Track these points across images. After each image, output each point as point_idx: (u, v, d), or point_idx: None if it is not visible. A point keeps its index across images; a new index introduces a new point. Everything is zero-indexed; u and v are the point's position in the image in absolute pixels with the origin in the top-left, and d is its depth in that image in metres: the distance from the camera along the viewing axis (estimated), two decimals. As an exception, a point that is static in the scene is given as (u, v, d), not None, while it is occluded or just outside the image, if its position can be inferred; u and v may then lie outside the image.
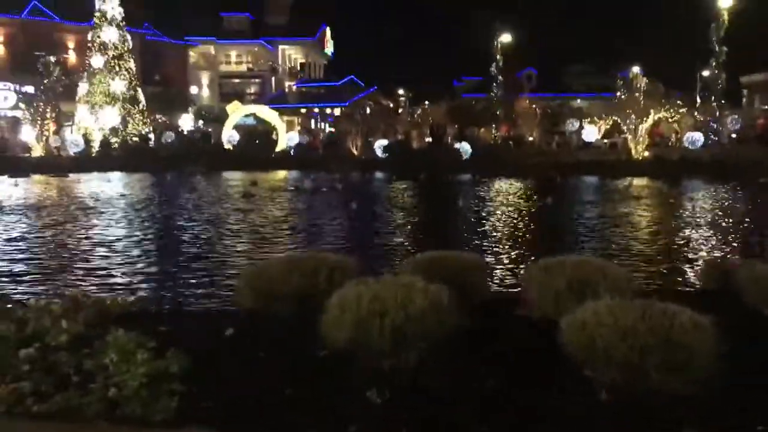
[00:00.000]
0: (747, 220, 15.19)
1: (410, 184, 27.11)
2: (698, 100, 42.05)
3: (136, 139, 42.11)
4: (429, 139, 45.83)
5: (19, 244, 11.59)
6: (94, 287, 7.79)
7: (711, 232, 12.87)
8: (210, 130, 49.82)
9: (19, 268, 9.30)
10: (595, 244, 11.40)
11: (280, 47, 74.35)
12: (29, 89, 43.06)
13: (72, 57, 51.01)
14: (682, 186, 24.78)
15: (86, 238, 12.32)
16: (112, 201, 19.31)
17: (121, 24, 42.72)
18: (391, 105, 56.43)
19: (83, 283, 8.08)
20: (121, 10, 42.56)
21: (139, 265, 9.53)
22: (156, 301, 6.84)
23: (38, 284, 8.16)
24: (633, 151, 36.11)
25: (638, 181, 26.83)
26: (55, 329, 4.33)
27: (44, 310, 4.64)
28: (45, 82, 41.49)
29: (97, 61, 42.09)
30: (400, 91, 58.02)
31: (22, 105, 42.20)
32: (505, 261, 9.81)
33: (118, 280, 8.47)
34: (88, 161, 36.65)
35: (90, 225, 14.17)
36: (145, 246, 11.54)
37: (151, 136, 43.87)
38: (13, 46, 48.72)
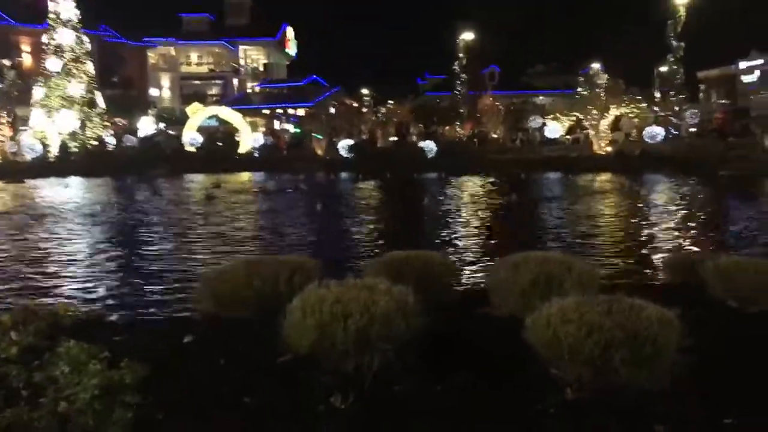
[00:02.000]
0: (709, 213, 15.45)
1: (375, 183, 27.05)
2: (657, 95, 42.78)
3: (95, 143, 41.28)
4: (394, 138, 45.84)
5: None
6: (47, 297, 7.54)
7: (674, 225, 13.04)
8: (174, 133, 49.11)
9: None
10: (560, 240, 11.45)
11: (242, 48, 73.71)
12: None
13: (27, 60, 49.83)
14: (644, 180, 25.15)
15: (39, 246, 11.97)
16: (68, 207, 18.85)
17: (77, 26, 41.83)
18: (355, 104, 56.31)
19: (35, 294, 7.82)
20: (76, 12, 41.65)
21: (94, 273, 9.27)
22: (111, 310, 6.63)
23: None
24: (595, 147, 36.58)
25: (601, 176, 27.15)
26: (4, 341, 4.15)
27: (-8, 322, 4.44)
28: (0, 86, 40.46)
29: (53, 64, 41.14)
30: (364, 91, 57.97)
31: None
32: (471, 259, 9.79)
33: (72, 289, 8.21)
34: (45, 166, 35.81)
35: (43, 232, 13.78)
36: (100, 253, 11.24)
37: (111, 139, 43.04)
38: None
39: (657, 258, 9.38)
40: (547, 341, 3.50)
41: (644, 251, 10.25)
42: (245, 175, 33.21)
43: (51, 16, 41.30)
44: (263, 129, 58.74)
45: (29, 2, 45.68)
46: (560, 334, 3.44)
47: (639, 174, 26.84)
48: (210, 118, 47.75)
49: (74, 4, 41.45)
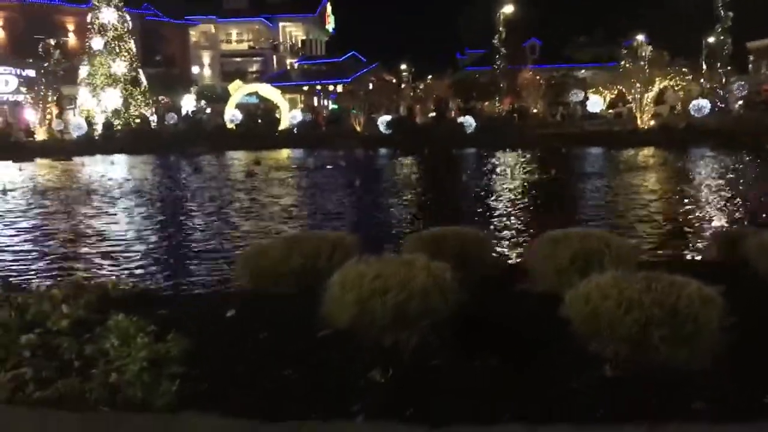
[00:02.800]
0: (755, 188, 15.06)
1: (414, 159, 26.99)
2: (704, 66, 41.53)
3: (138, 120, 41.99)
4: (433, 114, 45.56)
5: (22, 229, 11.58)
6: (97, 272, 7.77)
7: (718, 201, 12.76)
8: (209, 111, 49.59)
9: (20, 253, 9.30)
10: (601, 217, 11.32)
11: (281, 24, 73.80)
12: (30, 73, 42.86)
13: (72, 39, 50.71)
14: (689, 155, 24.57)
15: (87, 222, 12.31)
16: (114, 184, 19.29)
17: (119, 5, 42.38)
18: (394, 80, 55.99)
19: (86, 268, 8.07)
20: (119, -10, 42.21)
21: (141, 248, 9.51)
22: (157, 284, 6.81)
23: (40, 270, 8.15)
24: (638, 121, 35.81)
25: (644, 151, 26.62)
26: (55, 315, 4.31)
27: (45, 296, 4.62)
28: (45, 65, 41.31)
29: (97, 42, 41.83)
30: (403, 66, 57.58)
31: (23, 89, 42.08)
32: (510, 235, 9.76)
33: (119, 263, 8.45)
34: (91, 144, 36.60)
35: (91, 209, 14.15)
36: (146, 229, 11.51)
37: (153, 117, 43.73)
38: (12, 30, 48.43)
39: (700, 234, 9.21)
40: (586, 317, 3.49)
41: (687, 227, 10.07)
42: (285, 152, 33.46)
43: (94, -4, 41.92)
44: (302, 105, 58.93)
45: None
46: (599, 310, 3.43)
47: (683, 148, 26.23)
48: (250, 95, 48.09)
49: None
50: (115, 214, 13.19)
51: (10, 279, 7.23)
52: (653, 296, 3.40)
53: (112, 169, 25.35)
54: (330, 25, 79.41)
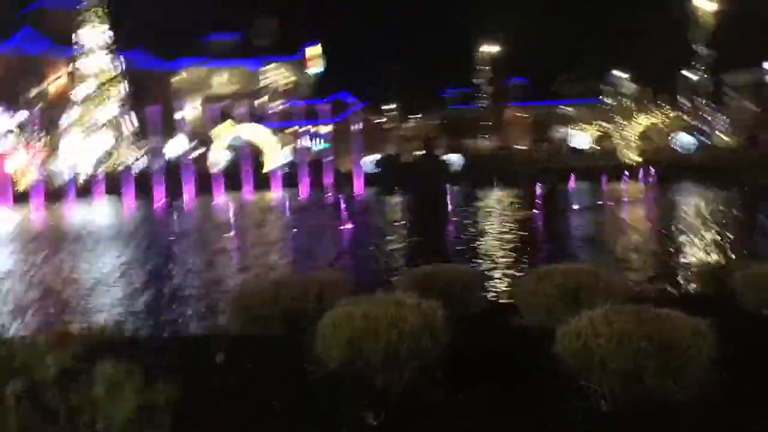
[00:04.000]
0: (740, 221, 15.20)
1: (403, 197, 27.07)
2: (685, 101, 42.25)
3: (125, 163, 41.97)
4: (420, 152, 45.91)
5: (5, 276, 11.45)
6: (80, 317, 7.68)
7: (704, 234, 12.86)
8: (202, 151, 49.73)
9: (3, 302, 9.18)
10: (588, 250, 11.37)
11: (267, 67, 74.46)
12: (20, 118, 42.90)
13: (61, 84, 50.90)
14: (674, 188, 24.82)
15: (72, 266, 12.20)
16: (98, 227, 19.19)
17: (112, 48, 42.72)
18: (381, 120, 56.52)
19: (69, 314, 7.98)
20: (110, 34, 42.55)
21: (127, 293, 9.42)
22: (144, 329, 6.74)
23: (26, 316, 8.05)
24: (623, 156, 36.23)
25: (629, 185, 26.85)
26: (42, 364, 4.24)
27: (30, 345, 4.54)
28: (34, 111, 41.37)
29: (85, 88, 42.03)
30: (390, 106, 58.12)
31: (12, 136, 42.07)
32: (499, 270, 9.76)
33: (104, 308, 8.36)
34: (77, 189, 36.47)
35: (76, 253, 14.04)
36: (131, 273, 11.42)
37: (143, 159, 43.76)
38: (2, 76, 48.61)
39: (687, 267, 9.26)
40: (577, 352, 3.48)
41: (674, 260, 10.13)
42: (273, 192, 33.48)
43: (83, 42, 42.26)
44: (289, 146, 59.12)
45: (62, 29, 46.72)
46: (591, 345, 3.42)
47: (668, 182, 26.50)
48: (237, 137, 48.24)
49: (106, 29, 42.33)
50: (99, 258, 13.09)
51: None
52: (644, 330, 3.40)
53: (96, 214, 25.25)
54: (317, 67, 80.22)
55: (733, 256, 9.97)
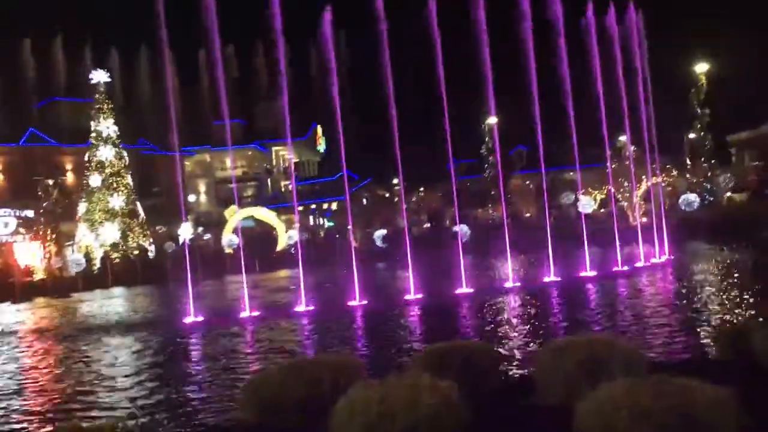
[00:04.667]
0: (754, 279, 15.01)
1: (412, 271, 26.97)
2: (688, 162, 42.59)
3: (136, 252, 42.26)
4: (427, 225, 46.08)
5: (10, 373, 11.32)
6: (92, 412, 7.57)
7: (719, 295, 12.70)
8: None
9: (11, 400, 9.08)
10: (604, 320, 11.22)
11: (273, 149, 76.02)
12: (29, 213, 43.50)
13: (70, 178, 51.90)
14: (684, 249, 24.69)
15: (83, 361, 12.10)
16: (110, 320, 19.13)
17: (116, 142, 43.69)
18: (387, 194, 57.03)
19: (80, 410, 7.86)
20: (116, 128, 43.62)
21: (138, 387, 9.30)
22: (159, 423, 6.63)
23: (36, 412, 7.95)
24: (630, 218, 36.24)
25: (639, 248, 26.69)
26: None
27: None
28: (44, 204, 42.02)
29: (94, 179, 42.81)
30: (395, 180, 58.79)
31: (22, 230, 42.56)
32: (515, 345, 9.62)
33: (116, 403, 8.24)
34: (90, 279, 36.63)
35: (86, 348, 13.94)
36: (143, 366, 11.30)
37: (152, 247, 44.09)
38: (12, 172, 49.67)
39: (704, 332, 9.11)
40: (599, 430, 3.40)
41: (690, 325, 9.97)
42: (283, 273, 33.49)
43: (93, 134, 43.33)
44: (297, 225, 59.57)
45: (72, 122, 48.07)
46: (613, 423, 3.35)
47: (678, 243, 26.37)
48: (246, 218, 48.71)
49: (112, 123, 43.41)
50: (110, 352, 12.99)
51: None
52: (667, 403, 3.33)
53: (108, 305, 25.23)
54: (321, 146, 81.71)
55: (752, 316, 9.81)
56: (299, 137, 75.30)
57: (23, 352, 14.13)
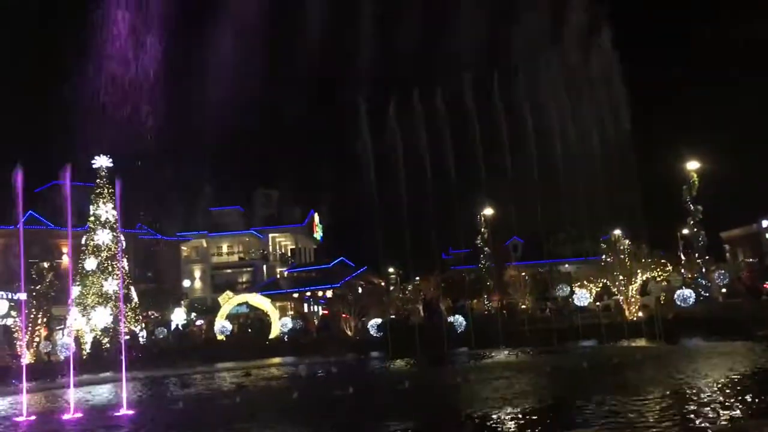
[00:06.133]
0: (753, 377, 14.89)
1: (407, 362, 26.69)
2: (682, 257, 42.88)
3: (127, 337, 41.72)
4: (423, 315, 45.76)
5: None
6: None
7: (720, 393, 12.57)
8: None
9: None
10: (603, 416, 11.06)
11: (270, 235, 76.49)
12: (22, 296, 43.22)
13: (65, 261, 51.86)
14: (681, 345, 24.56)
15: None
16: (99, 406, 18.73)
17: (114, 226, 43.95)
18: (382, 283, 56.98)
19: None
20: (114, 213, 43.98)
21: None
22: None
23: None
24: (626, 312, 36.17)
25: (636, 343, 26.58)
26: None
27: None
28: (37, 287, 41.78)
29: (90, 263, 42.80)
30: (390, 269, 58.90)
31: (13, 313, 42.15)
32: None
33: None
34: (79, 364, 35.98)
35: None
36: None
37: (143, 333, 43.62)
38: (7, 255, 49.65)
39: (710, 428, 8.99)
40: None
41: (693, 425, 9.83)
42: (276, 360, 33.03)
43: (91, 218, 43.62)
44: (292, 312, 59.18)
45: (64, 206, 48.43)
46: None
47: (675, 339, 26.26)
48: (240, 304, 48.42)
49: (110, 208, 43.79)
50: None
51: None
52: None
53: (98, 392, 24.74)
54: (317, 233, 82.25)
55: (755, 416, 9.70)
56: (296, 224, 76.08)
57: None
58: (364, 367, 28.43)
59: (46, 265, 43.31)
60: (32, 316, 40.96)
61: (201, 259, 71.77)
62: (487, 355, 26.79)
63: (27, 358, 39.40)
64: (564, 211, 45.75)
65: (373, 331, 38.62)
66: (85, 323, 41.72)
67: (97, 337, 40.60)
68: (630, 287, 36.45)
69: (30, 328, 40.70)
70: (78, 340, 40.06)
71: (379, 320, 40.33)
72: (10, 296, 42.95)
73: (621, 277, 36.53)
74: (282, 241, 79.88)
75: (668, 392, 13.19)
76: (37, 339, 41.12)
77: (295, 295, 65.38)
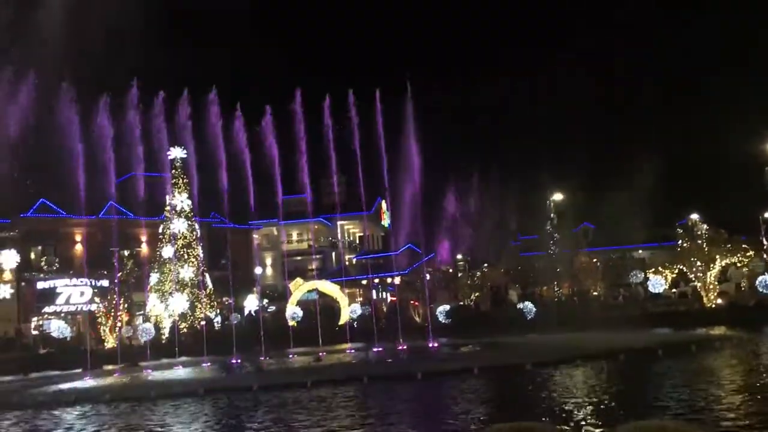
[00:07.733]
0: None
1: (475, 348, 26.64)
2: (765, 242, 41.10)
3: (203, 322, 43.08)
4: (491, 301, 45.51)
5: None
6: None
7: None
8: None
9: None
10: (677, 405, 10.81)
11: (339, 223, 77.31)
12: (104, 283, 45.17)
13: (144, 249, 53.82)
14: (763, 333, 23.61)
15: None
16: (178, 390, 19.45)
17: (189, 215, 45.36)
18: (450, 270, 56.81)
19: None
20: (189, 203, 45.39)
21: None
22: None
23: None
24: (704, 299, 35.00)
25: (714, 331, 25.72)
26: None
27: None
28: (119, 275, 43.59)
29: (167, 251, 44.36)
30: (459, 256, 58.65)
31: (97, 299, 44.13)
32: (585, 430, 9.38)
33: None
34: (158, 348, 37.40)
35: (156, 419, 14.21)
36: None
37: (218, 318, 44.92)
38: (90, 244, 51.84)
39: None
40: None
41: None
42: (345, 346, 33.50)
43: (167, 208, 45.19)
44: (361, 299, 59.78)
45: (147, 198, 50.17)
46: None
47: (756, 327, 25.25)
48: (311, 291, 49.21)
49: (186, 198, 45.24)
50: (174, 425, 13.22)
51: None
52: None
53: (176, 374, 25.67)
54: (385, 221, 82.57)
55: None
56: (364, 211, 76.54)
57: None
58: (431, 353, 28.51)
59: (126, 253, 45.08)
60: (114, 302, 42.73)
61: (272, 247, 73.24)
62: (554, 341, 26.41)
63: (109, 343, 41.26)
64: (636, 193, 44.55)
65: (441, 318, 38.67)
66: (163, 309, 43.28)
67: (175, 322, 42.05)
68: (708, 273, 35.22)
69: (112, 314, 42.49)
70: (157, 326, 41.61)
71: (447, 306, 40.35)
72: (93, 283, 45.00)
73: (699, 263, 35.32)
74: (350, 229, 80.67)
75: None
76: (119, 324, 42.88)
77: (364, 282, 65.96)
